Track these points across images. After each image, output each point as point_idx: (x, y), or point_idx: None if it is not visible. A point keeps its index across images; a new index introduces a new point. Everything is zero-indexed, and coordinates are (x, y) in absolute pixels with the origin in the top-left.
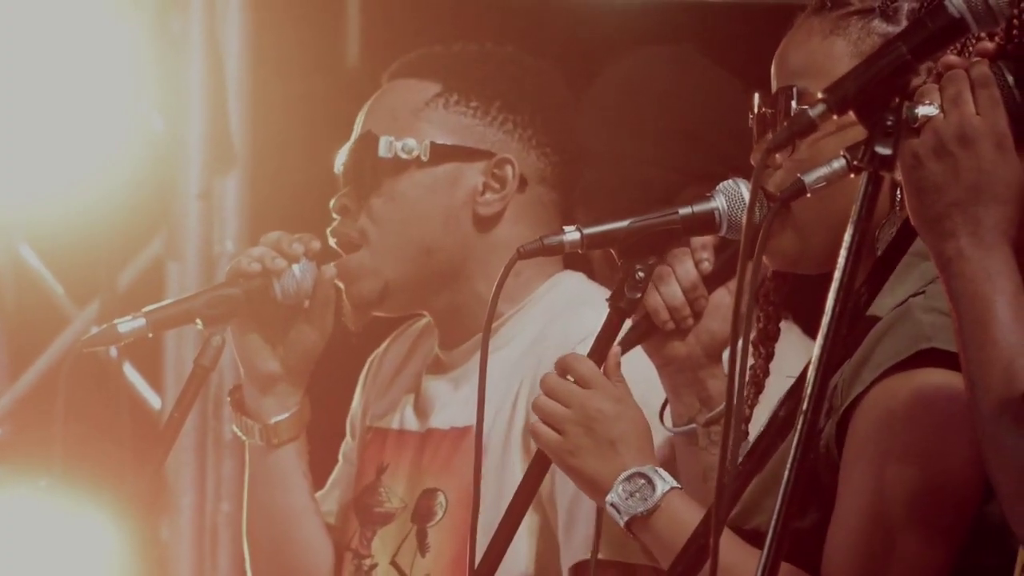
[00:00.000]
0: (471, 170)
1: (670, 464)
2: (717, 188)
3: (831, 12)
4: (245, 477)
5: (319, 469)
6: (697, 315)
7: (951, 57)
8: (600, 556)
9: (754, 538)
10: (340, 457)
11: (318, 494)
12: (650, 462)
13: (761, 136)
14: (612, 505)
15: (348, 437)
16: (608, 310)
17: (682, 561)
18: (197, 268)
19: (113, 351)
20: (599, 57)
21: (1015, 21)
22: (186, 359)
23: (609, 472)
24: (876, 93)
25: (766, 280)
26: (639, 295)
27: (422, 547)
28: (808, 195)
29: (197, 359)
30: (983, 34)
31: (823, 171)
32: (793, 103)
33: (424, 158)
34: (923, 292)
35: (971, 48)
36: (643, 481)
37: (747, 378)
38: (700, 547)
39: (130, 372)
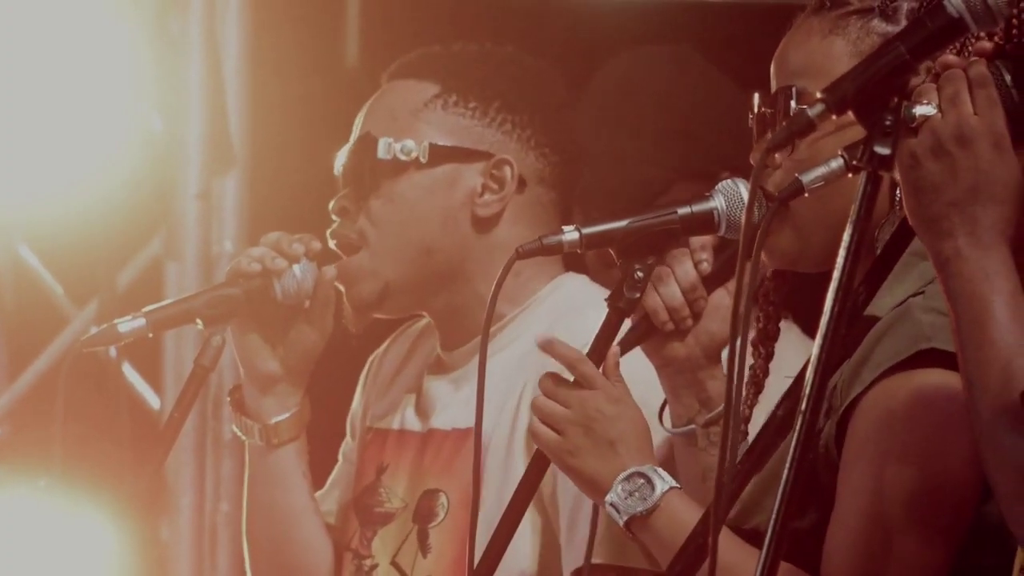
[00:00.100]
0: (470, 171)
1: (669, 465)
2: (716, 188)
3: (830, 12)
4: (245, 477)
5: (319, 469)
6: (696, 316)
7: (949, 57)
8: (599, 560)
9: (753, 537)
10: (340, 457)
11: (318, 494)
12: (649, 462)
13: (760, 136)
14: (611, 505)
15: (348, 437)
16: (607, 310)
17: (681, 560)
18: (196, 268)
19: (112, 351)
20: (599, 57)
21: (1014, 21)
22: (186, 359)
23: (608, 472)
24: (875, 93)
25: (765, 280)
26: (638, 295)
27: (423, 548)
28: (806, 194)
29: (197, 359)
30: (982, 34)
31: (821, 171)
32: (792, 103)
33: (423, 159)
34: (922, 292)
35: (970, 48)
36: (642, 481)
37: (746, 378)
38: (699, 546)
39: (129, 372)
